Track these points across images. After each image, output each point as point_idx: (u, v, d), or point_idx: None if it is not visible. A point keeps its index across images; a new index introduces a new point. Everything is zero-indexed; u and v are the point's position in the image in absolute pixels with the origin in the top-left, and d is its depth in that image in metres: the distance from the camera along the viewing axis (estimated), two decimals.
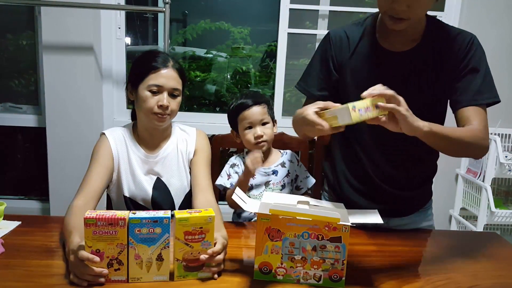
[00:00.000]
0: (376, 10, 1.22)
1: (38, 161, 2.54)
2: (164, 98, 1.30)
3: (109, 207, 1.57)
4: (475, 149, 1.18)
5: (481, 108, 1.20)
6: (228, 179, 1.50)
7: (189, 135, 1.47)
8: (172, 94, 1.33)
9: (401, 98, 0.99)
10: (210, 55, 2.67)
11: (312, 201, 1.11)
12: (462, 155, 1.25)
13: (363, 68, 1.26)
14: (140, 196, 1.40)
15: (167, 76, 1.31)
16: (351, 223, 0.98)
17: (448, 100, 1.26)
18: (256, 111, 1.45)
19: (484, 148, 1.19)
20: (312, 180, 1.55)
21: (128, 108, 1.47)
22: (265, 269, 1.03)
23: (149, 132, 1.40)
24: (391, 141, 1.29)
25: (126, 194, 1.40)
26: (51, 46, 2.18)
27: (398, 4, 1.09)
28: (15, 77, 2.58)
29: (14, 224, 1.26)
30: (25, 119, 2.47)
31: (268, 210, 0.99)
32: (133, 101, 1.40)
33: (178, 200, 1.43)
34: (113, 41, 2.36)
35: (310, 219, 0.98)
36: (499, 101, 1.22)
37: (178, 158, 1.43)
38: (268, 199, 1.10)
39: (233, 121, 1.51)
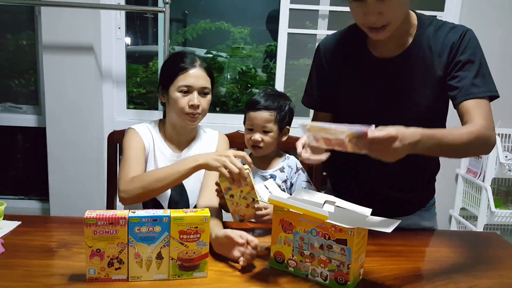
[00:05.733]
0: None
1: (38, 161, 2.54)
2: (194, 97, 1.34)
3: (110, 206, 1.57)
4: (478, 148, 1.15)
5: (482, 100, 1.14)
6: None
7: (212, 138, 1.49)
8: (202, 93, 1.36)
9: (387, 133, 0.89)
10: (210, 55, 2.68)
11: (340, 202, 1.08)
12: (464, 157, 1.23)
13: (355, 77, 1.27)
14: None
15: (196, 76, 1.34)
16: (357, 227, 0.95)
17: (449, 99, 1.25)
18: (260, 117, 1.42)
19: (489, 144, 1.14)
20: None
21: (162, 104, 1.49)
22: (279, 258, 1.08)
23: (177, 131, 1.42)
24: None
25: None
26: (51, 46, 2.18)
27: (369, 14, 1.08)
28: (15, 77, 2.58)
29: (14, 224, 1.26)
30: (25, 119, 2.47)
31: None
32: (164, 103, 1.44)
33: (193, 201, 1.44)
34: (113, 41, 2.36)
35: (301, 212, 1.01)
36: (497, 96, 1.17)
37: None
38: (298, 194, 1.14)
39: (245, 115, 1.49)
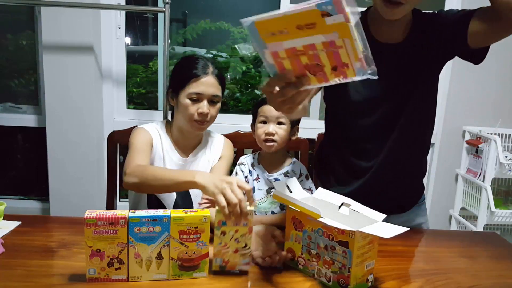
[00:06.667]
0: None
1: (38, 161, 2.54)
2: (204, 105, 1.33)
3: (110, 206, 1.57)
4: None
5: None
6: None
7: (217, 142, 1.50)
8: (211, 101, 1.36)
9: None
10: (210, 55, 2.68)
11: (356, 205, 1.08)
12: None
13: None
14: (164, 195, 1.41)
15: (207, 84, 1.34)
16: (359, 230, 0.94)
17: (461, 55, 1.25)
18: None
19: None
20: None
21: (170, 107, 1.50)
22: (290, 255, 1.10)
23: (183, 135, 1.42)
24: (385, 139, 1.30)
25: None
26: (51, 46, 2.18)
27: None
28: (15, 77, 2.58)
29: (14, 224, 1.26)
30: (25, 119, 2.47)
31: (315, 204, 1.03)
32: (172, 106, 1.43)
33: (196, 206, 1.43)
34: (113, 41, 2.36)
35: (298, 209, 1.03)
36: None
37: (204, 165, 1.45)
38: (318, 194, 1.16)
39: (254, 114, 1.47)
